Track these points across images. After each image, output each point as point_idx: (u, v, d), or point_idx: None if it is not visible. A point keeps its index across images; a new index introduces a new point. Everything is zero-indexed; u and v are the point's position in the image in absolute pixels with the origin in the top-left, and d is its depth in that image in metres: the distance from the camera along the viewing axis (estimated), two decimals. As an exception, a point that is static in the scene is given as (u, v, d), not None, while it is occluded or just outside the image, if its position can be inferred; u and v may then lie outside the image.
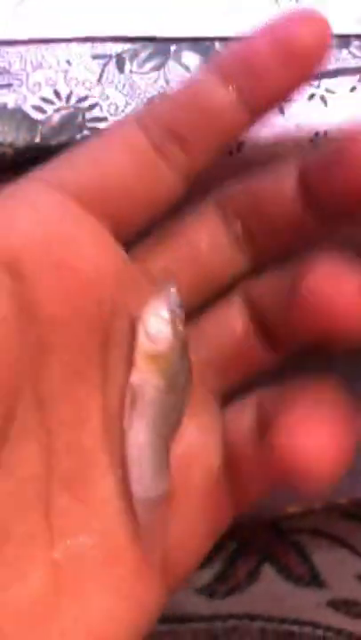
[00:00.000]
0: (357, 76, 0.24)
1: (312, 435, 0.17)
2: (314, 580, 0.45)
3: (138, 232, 0.21)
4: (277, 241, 0.21)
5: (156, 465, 0.19)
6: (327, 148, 0.20)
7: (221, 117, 0.19)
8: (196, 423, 0.20)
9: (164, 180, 0.20)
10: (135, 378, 0.20)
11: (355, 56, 0.24)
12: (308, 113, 0.23)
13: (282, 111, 0.23)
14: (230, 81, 0.19)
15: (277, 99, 0.19)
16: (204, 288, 0.22)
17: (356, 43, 0.24)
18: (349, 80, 0.24)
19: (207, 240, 0.21)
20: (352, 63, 0.24)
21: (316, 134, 0.23)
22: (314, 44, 0.19)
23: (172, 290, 0.20)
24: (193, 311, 0.22)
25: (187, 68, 0.23)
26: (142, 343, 0.20)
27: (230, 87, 0.19)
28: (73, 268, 0.18)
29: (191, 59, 0.23)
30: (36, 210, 0.18)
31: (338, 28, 0.24)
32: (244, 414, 0.21)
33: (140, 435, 0.19)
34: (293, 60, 0.18)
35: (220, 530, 0.21)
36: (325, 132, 0.23)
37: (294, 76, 0.19)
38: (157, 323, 0.20)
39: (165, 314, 0.20)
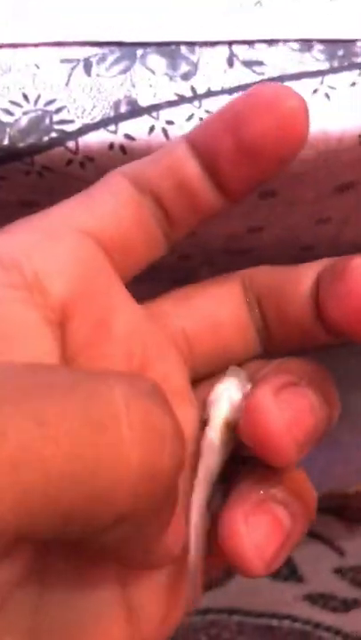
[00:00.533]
0: (319, 79, 0.24)
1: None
2: (292, 574, 0.45)
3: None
4: (287, 338, 0.22)
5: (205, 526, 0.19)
6: (343, 267, 0.19)
7: (197, 196, 0.20)
8: None
9: (156, 234, 0.21)
10: (212, 435, 0.20)
11: (317, 59, 0.25)
12: (270, 115, 0.23)
13: (245, 113, 0.23)
14: (200, 161, 0.20)
15: (246, 185, 0.20)
16: (215, 361, 0.22)
17: (318, 47, 0.25)
18: (311, 83, 0.24)
19: (229, 315, 0.22)
20: (314, 67, 0.24)
21: (279, 135, 0.23)
22: (281, 142, 0.18)
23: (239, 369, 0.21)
24: (194, 381, 0.22)
25: (152, 72, 0.24)
26: (224, 409, 0.20)
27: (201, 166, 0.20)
28: (109, 325, 0.19)
29: (157, 62, 0.24)
30: (78, 260, 0.19)
31: (301, 32, 0.25)
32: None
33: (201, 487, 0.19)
34: (256, 159, 0.19)
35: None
36: (287, 134, 0.23)
37: (257, 171, 0.19)
38: (239, 395, 0.20)
39: (245, 387, 0.20)
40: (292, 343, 0.22)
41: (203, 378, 0.22)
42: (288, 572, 0.46)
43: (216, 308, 0.22)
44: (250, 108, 0.18)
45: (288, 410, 0.18)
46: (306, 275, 0.21)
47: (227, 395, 0.20)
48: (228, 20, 0.25)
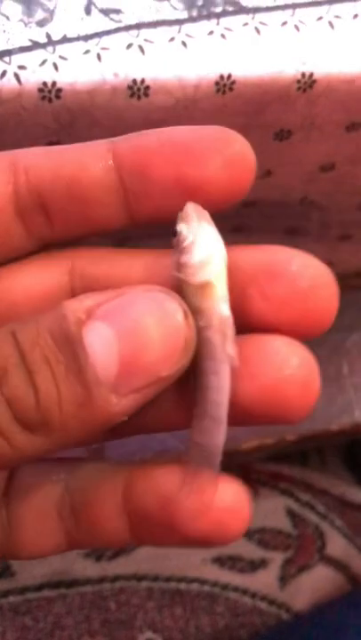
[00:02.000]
0: (177, 28, 0.24)
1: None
2: (199, 537, 0.46)
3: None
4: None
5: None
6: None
7: (95, 208, 0.19)
8: None
9: (18, 241, 0.20)
10: (213, 317, 0.18)
11: (175, 8, 0.25)
12: (125, 61, 0.24)
13: (99, 58, 0.23)
14: (122, 183, 0.18)
15: (164, 217, 0.19)
16: None
17: (177, -4, 0.25)
18: (169, 31, 0.24)
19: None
20: (172, 15, 0.25)
21: (134, 82, 0.23)
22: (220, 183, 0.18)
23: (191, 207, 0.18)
24: None
25: (7, 18, 0.24)
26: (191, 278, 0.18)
27: (117, 191, 0.19)
28: None
29: (12, 9, 0.24)
30: None
31: (160, -19, 0.25)
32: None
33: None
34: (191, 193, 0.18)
35: None
36: (143, 80, 0.24)
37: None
38: (200, 250, 0.18)
39: (202, 233, 0.18)
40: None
41: None
42: (196, 536, 0.46)
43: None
44: (199, 146, 0.18)
45: None
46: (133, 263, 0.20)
47: (187, 267, 0.18)
48: (87, -31, 0.25)
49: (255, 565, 0.46)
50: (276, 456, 0.47)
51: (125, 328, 0.16)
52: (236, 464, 0.45)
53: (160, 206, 0.18)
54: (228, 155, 0.18)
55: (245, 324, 0.18)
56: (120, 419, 0.17)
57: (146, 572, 0.45)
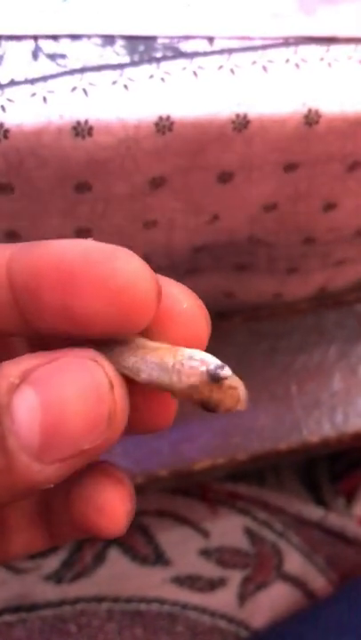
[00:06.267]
0: (119, 72, 0.26)
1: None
2: (158, 558, 0.47)
3: None
4: None
5: None
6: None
7: None
8: None
9: None
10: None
11: (118, 54, 0.26)
12: (70, 103, 0.25)
13: (45, 101, 0.25)
14: (16, 301, 0.18)
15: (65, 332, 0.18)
16: None
17: (120, 42, 0.27)
18: (111, 74, 0.26)
19: None
20: (115, 60, 0.26)
21: (78, 122, 0.25)
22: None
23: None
24: None
25: None
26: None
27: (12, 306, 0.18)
28: None
29: None
30: None
31: (104, 28, 0.27)
32: None
33: None
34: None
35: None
36: (86, 121, 0.25)
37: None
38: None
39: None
40: None
41: None
42: (155, 556, 0.47)
43: None
44: (85, 275, 0.17)
45: None
46: None
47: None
48: (35, 16, 0.26)
49: (214, 584, 0.47)
50: (233, 475, 0.48)
51: (49, 397, 0.16)
52: (193, 484, 0.46)
53: (56, 326, 0.18)
54: (115, 288, 0.16)
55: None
56: (45, 486, 0.17)
57: (106, 593, 0.46)
